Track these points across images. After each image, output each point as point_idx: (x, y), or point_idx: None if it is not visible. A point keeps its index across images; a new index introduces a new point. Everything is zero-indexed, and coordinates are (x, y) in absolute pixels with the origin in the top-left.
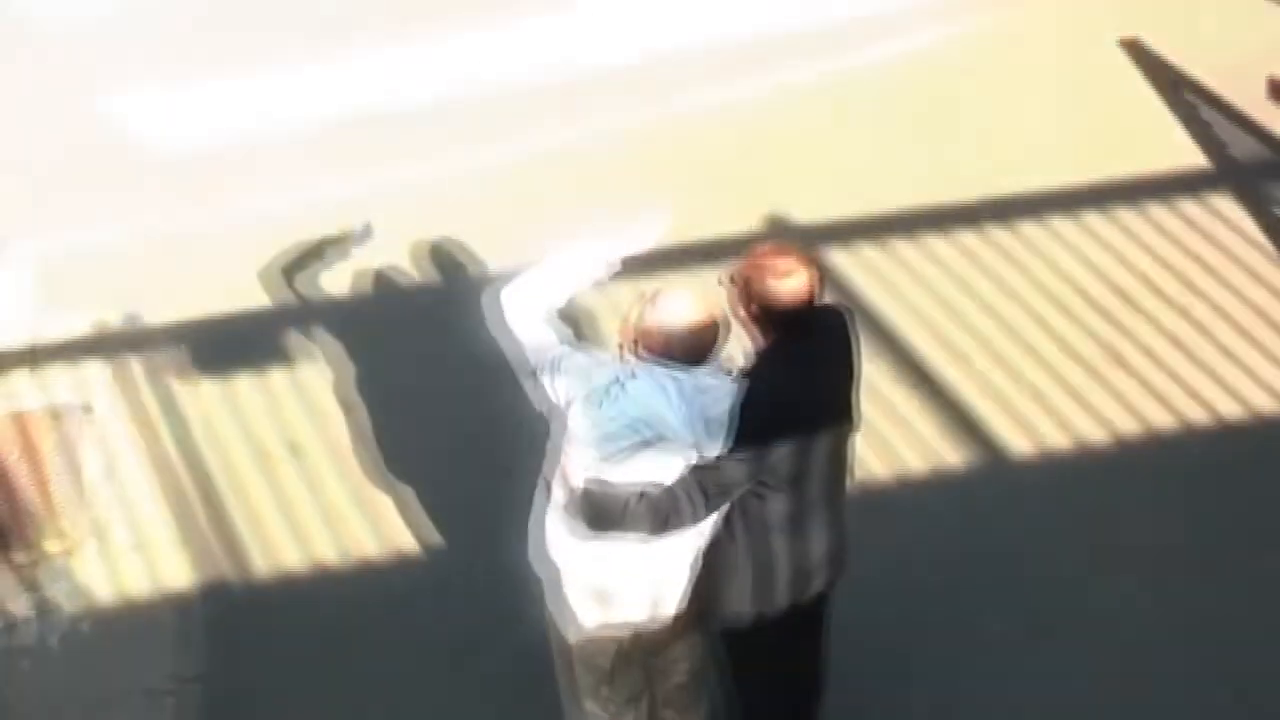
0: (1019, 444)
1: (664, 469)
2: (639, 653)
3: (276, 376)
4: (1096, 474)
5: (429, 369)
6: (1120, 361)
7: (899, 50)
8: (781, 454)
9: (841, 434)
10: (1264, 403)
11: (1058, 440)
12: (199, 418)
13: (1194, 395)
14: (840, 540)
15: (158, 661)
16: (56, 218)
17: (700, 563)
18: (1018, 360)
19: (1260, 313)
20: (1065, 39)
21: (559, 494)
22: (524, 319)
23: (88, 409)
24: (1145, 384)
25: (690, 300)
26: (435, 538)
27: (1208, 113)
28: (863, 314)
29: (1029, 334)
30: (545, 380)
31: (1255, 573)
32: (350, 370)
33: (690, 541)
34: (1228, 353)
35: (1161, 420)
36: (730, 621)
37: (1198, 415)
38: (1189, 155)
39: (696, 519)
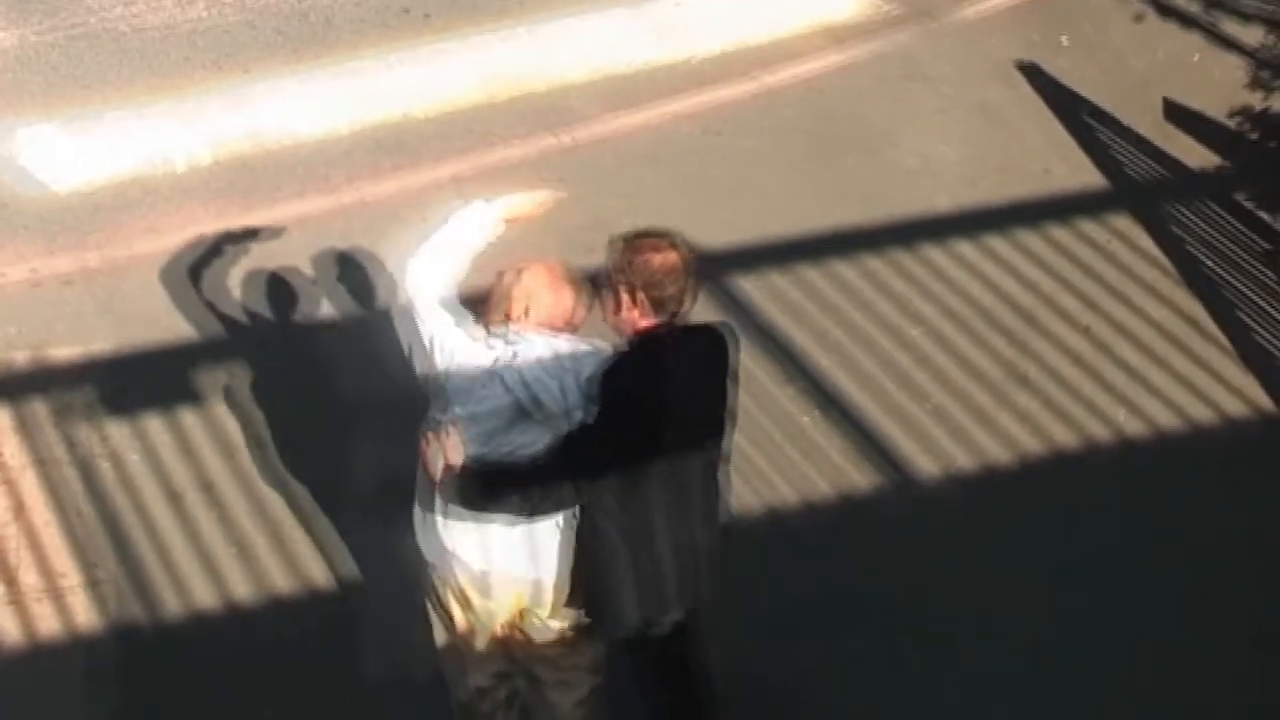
0: (925, 465)
1: (538, 441)
2: (524, 656)
3: (186, 414)
4: (1002, 492)
5: (341, 402)
6: (1024, 381)
7: (796, 75)
8: (640, 439)
9: (710, 448)
10: (1167, 419)
11: (963, 460)
12: (107, 457)
13: (1098, 413)
14: (715, 547)
15: (68, 705)
16: None
17: (582, 566)
18: (922, 382)
19: (1162, 330)
20: (962, 63)
21: (436, 473)
22: (426, 293)
23: None
24: (1049, 403)
25: (553, 269)
26: (348, 574)
27: (1105, 134)
28: (767, 338)
29: (933, 355)
30: (431, 357)
31: (1159, 588)
32: (261, 405)
33: (555, 531)
34: (1131, 370)
35: (1066, 439)
36: (621, 628)
37: (1102, 433)
38: (1087, 175)
39: (563, 499)
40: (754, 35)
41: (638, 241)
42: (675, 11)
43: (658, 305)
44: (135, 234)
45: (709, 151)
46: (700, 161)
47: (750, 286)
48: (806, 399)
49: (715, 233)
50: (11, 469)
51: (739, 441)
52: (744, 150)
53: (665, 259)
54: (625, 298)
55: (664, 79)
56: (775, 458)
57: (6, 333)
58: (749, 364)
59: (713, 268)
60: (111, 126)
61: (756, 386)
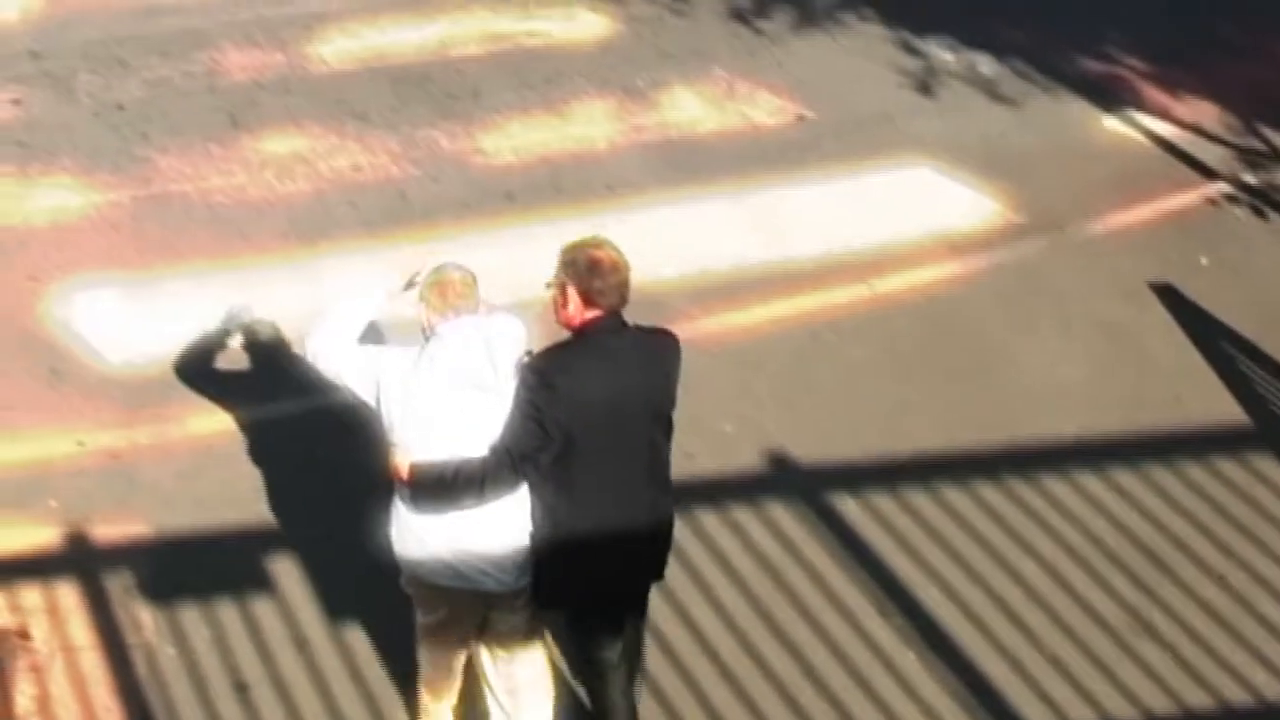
0: (1038, 718)
1: (484, 417)
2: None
3: (224, 607)
4: None
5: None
6: (1150, 631)
7: (910, 283)
8: (559, 424)
9: (655, 441)
10: None
11: (1081, 716)
12: (140, 646)
13: (1232, 673)
14: (663, 535)
15: None
16: None
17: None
18: (1037, 625)
19: None
20: (1089, 279)
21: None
22: (335, 351)
23: (23, 635)
24: (1178, 658)
25: (455, 264)
26: None
27: (1245, 363)
28: (866, 563)
29: (1050, 596)
30: (378, 395)
31: None
32: (332, 594)
33: (512, 509)
34: (1270, 627)
35: (1196, 700)
36: (561, 605)
37: (1237, 696)
38: (1225, 408)
39: (506, 482)
40: (866, 237)
41: (577, 244)
42: (779, 204)
43: (597, 297)
44: (189, 410)
45: (812, 358)
46: (802, 369)
47: (849, 506)
48: (908, 636)
49: (814, 445)
50: (41, 654)
51: (829, 667)
52: (850, 359)
53: (601, 255)
54: (570, 292)
55: (765, 277)
56: (871, 695)
57: (48, 506)
58: (843, 590)
59: (810, 482)
60: (171, 296)
61: (852, 616)
